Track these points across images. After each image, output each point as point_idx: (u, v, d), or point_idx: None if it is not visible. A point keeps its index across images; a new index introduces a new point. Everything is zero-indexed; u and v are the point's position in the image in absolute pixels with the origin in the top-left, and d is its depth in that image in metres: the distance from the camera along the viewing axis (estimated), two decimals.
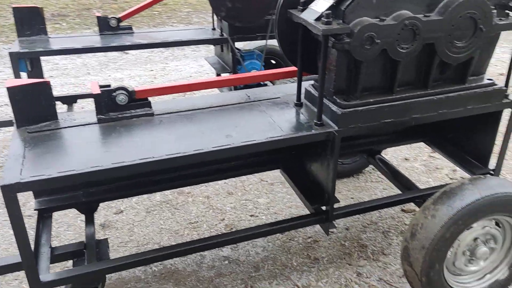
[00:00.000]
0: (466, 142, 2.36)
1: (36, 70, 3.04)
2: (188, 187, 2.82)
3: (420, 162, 3.25)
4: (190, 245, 1.91)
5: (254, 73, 2.23)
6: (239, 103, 2.09)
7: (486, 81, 2.04)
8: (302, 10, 1.83)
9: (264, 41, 3.33)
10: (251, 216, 2.69)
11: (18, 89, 1.76)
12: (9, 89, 1.75)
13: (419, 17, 1.73)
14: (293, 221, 2.06)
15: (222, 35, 3.28)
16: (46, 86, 1.81)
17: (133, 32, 3.38)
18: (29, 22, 3.09)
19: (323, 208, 2.04)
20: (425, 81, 1.94)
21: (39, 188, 1.58)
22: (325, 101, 1.91)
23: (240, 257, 2.37)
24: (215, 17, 3.47)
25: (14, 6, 3.05)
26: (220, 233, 2.48)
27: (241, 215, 2.69)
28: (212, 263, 2.33)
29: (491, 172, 2.26)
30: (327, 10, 1.69)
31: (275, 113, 1.99)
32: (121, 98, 1.91)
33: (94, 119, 1.92)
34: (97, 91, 1.87)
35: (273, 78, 2.27)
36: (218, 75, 3.50)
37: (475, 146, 2.29)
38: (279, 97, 2.16)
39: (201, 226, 2.60)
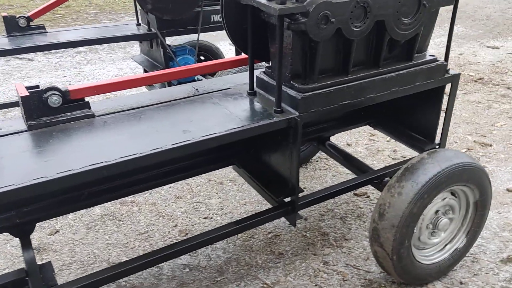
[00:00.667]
0: (410, 121, 2.40)
1: None
2: (131, 196, 2.60)
3: (361, 146, 3.31)
4: (145, 258, 1.74)
5: (202, 64, 2.09)
6: (188, 97, 1.94)
7: (429, 57, 2.09)
8: None
9: (195, 35, 3.20)
10: (205, 218, 2.54)
11: None
12: None
13: None
14: (257, 217, 1.95)
15: (150, 30, 3.07)
16: None
17: (46, 32, 3.06)
18: None
19: (286, 199, 1.97)
20: (376, 60, 1.93)
21: None
22: (282, 87, 1.82)
23: (201, 263, 2.22)
24: (139, 11, 3.26)
25: None
26: (176, 241, 2.31)
27: (194, 219, 2.53)
28: (171, 273, 2.15)
29: (436, 147, 2.33)
30: None
31: (230, 104, 1.87)
32: (54, 99, 1.67)
33: (23, 126, 1.66)
34: (25, 93, 1.62)
35: (221, 68, 2.14)
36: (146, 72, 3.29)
37: (420, 123, 2.34)
38: (229, 88, 2.04)
39: (152, 236, 2.40)
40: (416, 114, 2.36)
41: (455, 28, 6.15)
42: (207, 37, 3.96)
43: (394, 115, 2.50)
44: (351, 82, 1.87)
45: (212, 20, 3.20)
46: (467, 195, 2.00)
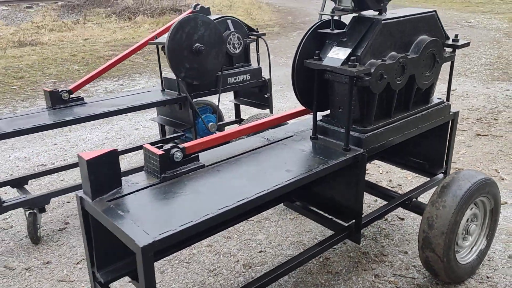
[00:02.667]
0: (418, 152, 2.96)
1: None
2: None
3: None
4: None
5: (278, 115, 2.52)
6: (266, 145, 2.35)
7: (437, 100, 2.69)
8: (318, 60, 2.23)
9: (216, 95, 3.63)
10: (259, 252, 2.87)
11: (96, 160, 1.76)
12: (89, 162, 1.74)
13: (406, 56, 2.28)
14: (327, 242, 2.35)
15: (180, 94, 3.46)
16: (115, 154, 1.83)
17: (85, 103, 3.33)
18: None
19: (346, 223, 2.40)
20: (407, 105, 2.49)
21: (169, 243, 1.59)
22: (342, 130, 2.31)
23: None
24: (163, 79, 3.65)
25: None
26: (243, 273, 2.61)
27: (250, 253, 2.85)
28: None
29: (443, 171, 2.91)
30: (347, 57, 2.13)
31: (304, 148, 2.30)
32: (178, 155, 2.01)
33: (154, 180, 1.97)
34: (160, 152, 1.94)
35: (291, 118, 2.58)
36: (163, 132, 3.69)
37: (429, 153, 2.91)
38: (292, 135, 2.48)
39: (221, 272, 2.68)
40: (424, 146, 2.92)
41: None
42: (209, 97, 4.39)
43: (400, 149, 3.04)
44: (393, 123, 2.39)
45: (228, 82, 3.66)
46: (485, 204, 2.55)
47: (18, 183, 3.10)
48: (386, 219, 3.21)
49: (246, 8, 16.78)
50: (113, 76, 8.68)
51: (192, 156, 2.09)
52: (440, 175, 2.91)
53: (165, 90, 3.63)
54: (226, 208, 1.73)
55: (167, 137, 3.88)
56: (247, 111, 4.86)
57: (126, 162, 4.39)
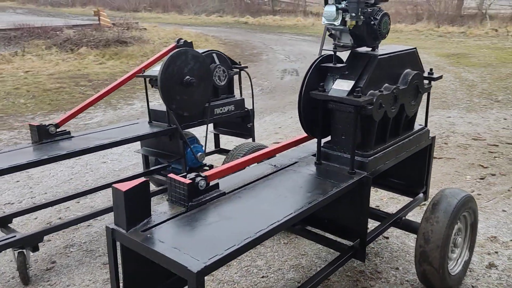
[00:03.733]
0: (399, 174, 3.20)
1: None
2: None
3: None
4: None
5: (283, 142, 2.65)
6: (276, 171, 2.48)
7: (419, 126, 2.97)
8: (323, 91, 2.42)
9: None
10: (262, 277, 2.94)
11: (132, 191, 1.79)
12: (126, 193, 1.77)
13: (398, 87, 2.53)
14: (336, 262, 2.48)
15: (170, 125, 3.51)
16: (147, 184, 1.87)
17: (72, 136, 3.29)
18: None
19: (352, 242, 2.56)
20: (397, 131, 2.73)
21: (217, 267, 1.63)
22: (345, 155, 2.49)
23: None
24: (150, 111, 3.69)
25: None
26: None
27: (253, 279, 2.91)
28: None
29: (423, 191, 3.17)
30: (351, 88, 2.34)
31: (311, 172, 2.46)
32: (202, 183, 2.08)
33: (180, 209, 2.01)
34: (188, 181, 2.01)
35: (295, 145, 2.71)
36: (147, 163, 3.71)
37: (410, 175, 3.16)
38: (297, 162, 2.63)
39: None
40: (405, 168, 3.17)
41: None
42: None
43: (383, 172, 3.26)
44: (388, 148, 2.62)
45: (215, 112, 3.77)
46: (467, 219, 2.82)
47: (3, 222, 2.96)
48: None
49: (193, 40, 17.01)
50: (63, 110, 8.46)
51: (213, 185, 2.17)
52: (421, 195, 3.17)
53: (152, 122, 3.66)
54: (262, 232, 1.83)
55: (151, 168, 3.87)
56: (225, 142, 4.96)
57: (101, 197, 4.30)
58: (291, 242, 3.36)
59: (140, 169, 5.03)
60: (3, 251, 3.21)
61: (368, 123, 2.45)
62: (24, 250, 2.82)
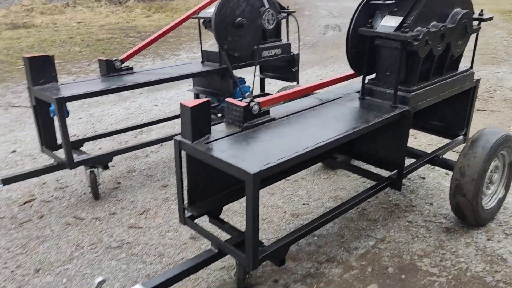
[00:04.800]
0: (440, 117, 3.31)
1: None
2: None
3: None
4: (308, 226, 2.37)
5: (328, 78, 2.83)
6: (322, 103, 2.67)
7: (464, 68, 3.05)
8: (371, 28, 2.55)
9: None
10: (303, 204, 3.20)
11: (197, 108, 2.05)
12: (192, 109, 2.02)
13: (446, 25, 2.62)
14: (374, 188, 2.69)
15: (221, 65, 3.73)
16: (209, 104, 2.12)
17: (134, 72, 3.58)
18: (43, 70, 3.07)
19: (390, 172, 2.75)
20: (441, 70, 2.83)
21: (270, 173, 1.88)
22: (388, 90, 2.64)
23: (323, 233, 2.87)
24: (203, 52, 3.91)
25: (26, 56, 3.00)
26: (291, 221, 2.95)
27: (295, 206, 3.18)
28: (306, 241, 2.78)
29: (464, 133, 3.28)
30: (399, 25, 2.45)
31: (356, 105, 2.63)
32: (255, 108, 2.31)
33: (236, 129, 2.26)
34: (243, 104, 2.24)
35: (339, 81, 2.89)
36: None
37: (452, 117, 3.26)
38: (341, 97, 2.80)
39: (273, 220, 3.01)
40: (447, 110, 3.27)
41: None
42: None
43: (422, 114, 3.36)
44: (431, 86, 2.74)
45: (263, 55, 3.95)
46: (505, 158, 2.94)
47: (75, 145, 3.34)
48: (409, 178, 3.58)
49: None
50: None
51: (264, 111, 2.39)
52: (460, 137, 3.28)
53: (205, 62, 3.90)
54: (310, 148, 2.05)
55: None
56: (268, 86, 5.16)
57: (156, 134, 4.66)
58: (330, 178, 3.59)
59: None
60: (74, 172, 3.64)
61: (413, 60, 2.57)
62: (94, 169, 3.19)
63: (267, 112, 2.41)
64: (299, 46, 4.16)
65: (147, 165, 3.87)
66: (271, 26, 3.92)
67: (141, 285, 1.91)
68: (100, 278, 1.71)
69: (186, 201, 2.27)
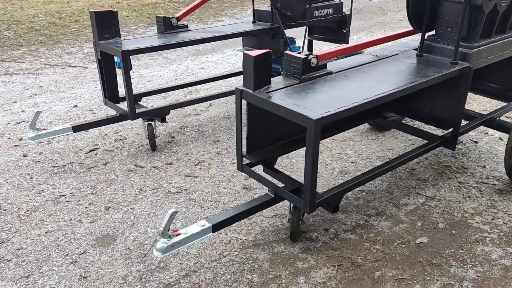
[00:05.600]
0: (500, 78, 3.23)
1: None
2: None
3: None
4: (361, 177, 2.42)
5: (385, 34, 2.82)
6: (378, 59, 2.68)
7: None
8: None
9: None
10: (351, 163, 3.26)
11: (260, 58, 2.12)
12: (256, 58, 2.10)
13: None
14: (428, 145, 2.71)
15: (273, 24, 3.76)
16: (270, 55, 2.18)
17: (189, 30, 3.67)
18: (108, 26, 3.20)
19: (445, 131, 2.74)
20: (504, 28, 2.76)
21: (330, 121, 1.96)
22: (448, 47, 2.61)
23: (371, 189, 2.93)
24: (255, 11, 3.95)
25: (93, 10, 3.14)
26: (339, 177, 3.02)
27: (344, 163, 3.24)
28: (355, 196, 2.85)
29: None
30: None
31: (413, 62, 2.62)
32: (314, 61, 2.35)
33: (294, 81, 2.31)
34: (303, 56, 2.29)
35: (398, 38, 2.88)
36: None
37: (509, 79, 3.19)
38: (398, 54, 2.79)
39: (322, 176, 3.09)
40: (504, 72, 3.18)
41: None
42: None
43: (478, 76, 3.28)
44: (493, 43, 2.68)
45: (315, 15, 3.94)
46: None
47: (135, 99, 3.51)
48: (462, 142, 3.55)
49: None
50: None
51: (322, 64, 2.43)
52: None
53: (256, 21, 3.94)
54: (368, 99, 2.09)
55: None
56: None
57: (204, 93, 4.78)
58: (378, 139, 3.61)
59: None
60: (131, 126, 3.83)
61: (477, 15, 2.52)
62: (152, 122, 3.35)
63: (324, 66, 2.45)
64: (351, 5, 4.11)
65: (198, 122, 4.01)
66: None
67: (206, 221, 2.05)
68: (172, 210, 1.85)
69: (244, 149, 2.38)
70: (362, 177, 2.38)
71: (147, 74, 5.74)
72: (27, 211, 2.72)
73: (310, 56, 2.34)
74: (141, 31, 8.58)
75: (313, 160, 1.96)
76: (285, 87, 2.26)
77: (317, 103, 2.06)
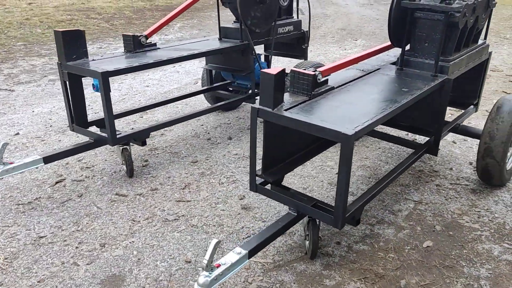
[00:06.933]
0: (457, 87, 3.54)
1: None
2: None
3: None
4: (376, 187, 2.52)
5: (366, 51, 2.94)
6: (367, 74, 2.79)
7: (482, 41, 3.28)
8: (413, 0, 2.69)
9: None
10: (336, 174, 3.33)
11: (278, 76, 2.09)
12: (276, 76, 2.07)
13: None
14: (414, 156, 2.86)
15: (242, 41, 3.74)
16: (284, 72, 2.17)
17: (158, 48, 3.52)
18: (75, 46, 2.95)
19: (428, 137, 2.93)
20: (468, 42, 3.04)
21: (360, 134, 1.97)
22: (426, 61, 2.81)
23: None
24: (221, 29, 3.90)
25: (59, 30, 2.88)
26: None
27: (329, 175, 3.31)
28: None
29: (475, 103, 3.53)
30: None
31: (399, 75, 2.78)
32: (320, 77, 2.39)
33: (304, 97, 2.32)
34: (312, 72, 2.31)
35: (380, 52, 3.01)
36: (211, 79, 4.00)
37: (466, 88, 3.51)
38: (379, 68, 2.94)
39: (313, 189, 3.12)
40: (461, 81, 3.50)
41: (359, 41, 7.95)
42: None
43: None
44: (462, 56, 2.94)
45: (279, 31, 4.00)
46: None
47: (103, 122, 3.26)
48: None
49: None
50: (88, 40, 8.59)
51: (325, 80, 2.47)
52: (472, 107, 3.53)
53: (222, 38, 3.89)
54: (386, 112, 2.17)
55: (217, 84, 4.15)
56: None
57: (161, 112, 4.59)
58: None
59: (181, 92, 5.33)
60: (94, 152, 3.55)
61: (452, 31, 2.75)
62: (127, 146, 3.14)
63: (327, 81, 2.50)
64: (309, 23, 4.24)
65: (167, 143, 3.83)
66: (285, 3, 3.98)
67: (241, 248, 1.96)
68: (215, 240, 1.74)
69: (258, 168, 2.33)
70: (376, 188, 2.44)
71: (88, 95, 5.37)
72: (5, 259, 2.38)
73: (317, 72, 2.37)
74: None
75: (347, 175, 1.98)
76: (299, 103, 2.25)
77: (341, 118, 2.08)
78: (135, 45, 3.33)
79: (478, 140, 3.93)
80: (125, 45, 3.35)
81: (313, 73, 2.32)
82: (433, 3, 2.62)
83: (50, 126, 4.31)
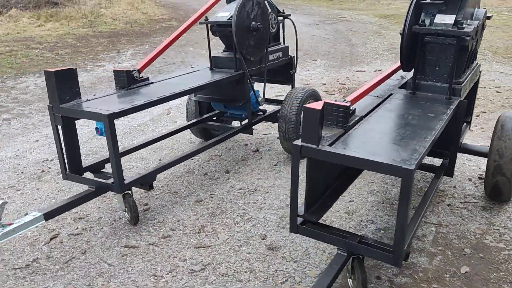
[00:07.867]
0: None
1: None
2: None
3: None
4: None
5: (384, 73, 2.90)
6: (384, 100, 2.76)
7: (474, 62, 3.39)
8: (424, 25, 2.71)
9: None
10: (349, 202, 3.25)
11: (322, 111, 1.99)
12: (321, 111, 1.97)
13: (479, 23, 2.89)
14: (437, 178, 2.84)
15: (237, 70, 3.60)
16: (324, 107, 2.07)
17: (151, 82, 3.30)
18: (68, 86, 2.68)
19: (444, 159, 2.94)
20: (468, 64, 3.11)
21: (416, 167, 1.89)
22: (438, 84, 2.83)
23: (385, 226, 2.96)
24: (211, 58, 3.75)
25: (51, 70, 2.61)
26: None
27: (345, 205, 3.22)
28: (376, 235, 2.84)
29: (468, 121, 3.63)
30: (454, 21, 2.65)
31: (413, 100, 2.76)
32: (352, 107, 2.31)
33: (339, 130, 2.22)
34: (347, 104, 2.22)
35: (391, 75, 2.99)
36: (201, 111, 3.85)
37: None
38: (392, 93, 2.91)
39: (333, 221, 3.01)
40: None
41: (319, 61, 8.11)
42: None
43: None
44: (467, 77, 2.99)
45: (270, 58, 3.91)
46: None
47: (98, 167, 2.97)
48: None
49: (129, 2, 16.36)
50: (29, 72, 8.14)
51: (353, 109, 2.40)
52: (464, 124, 3.61)
53: (214, 68, 3.73)
54: (430, 139, 2.12)
55: (207, 115, 3.97)
56: None
57: (147, 149, 4.33)
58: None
59: (156, 124, 5.08)
60: (91, 201, 3.24)
61: (461, 53, 2.79)
62: (129, 191, 2.87)
63: (354, 111, 2.42)
64: (296, 49, 4.20)
65: (162, 183, 3.58)
66: (274, 30, 3.91)
67: None
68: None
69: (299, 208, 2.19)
70: (417, 219, 2.37)
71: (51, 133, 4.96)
72: None
73: (349, 103, 2.29)
74: (11, 84, 7.46)
75: (406, 212, 1.89)
76: (338, 137, 2.15)
77: (390, 151, 2.01)
78: (129, 81, 3.09)
79: (468, 156, 4.06)
80: (117, 82, 3.10)
81: (347, 104, 2.23)
82: (446, 28, 2.65)
83: (22, 172, 3.90)
